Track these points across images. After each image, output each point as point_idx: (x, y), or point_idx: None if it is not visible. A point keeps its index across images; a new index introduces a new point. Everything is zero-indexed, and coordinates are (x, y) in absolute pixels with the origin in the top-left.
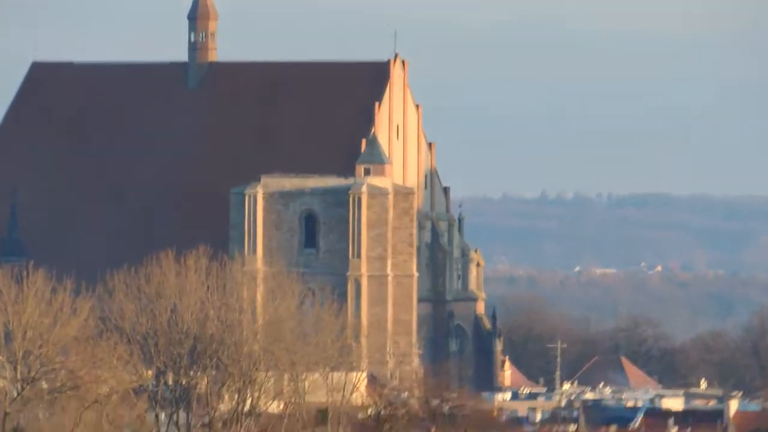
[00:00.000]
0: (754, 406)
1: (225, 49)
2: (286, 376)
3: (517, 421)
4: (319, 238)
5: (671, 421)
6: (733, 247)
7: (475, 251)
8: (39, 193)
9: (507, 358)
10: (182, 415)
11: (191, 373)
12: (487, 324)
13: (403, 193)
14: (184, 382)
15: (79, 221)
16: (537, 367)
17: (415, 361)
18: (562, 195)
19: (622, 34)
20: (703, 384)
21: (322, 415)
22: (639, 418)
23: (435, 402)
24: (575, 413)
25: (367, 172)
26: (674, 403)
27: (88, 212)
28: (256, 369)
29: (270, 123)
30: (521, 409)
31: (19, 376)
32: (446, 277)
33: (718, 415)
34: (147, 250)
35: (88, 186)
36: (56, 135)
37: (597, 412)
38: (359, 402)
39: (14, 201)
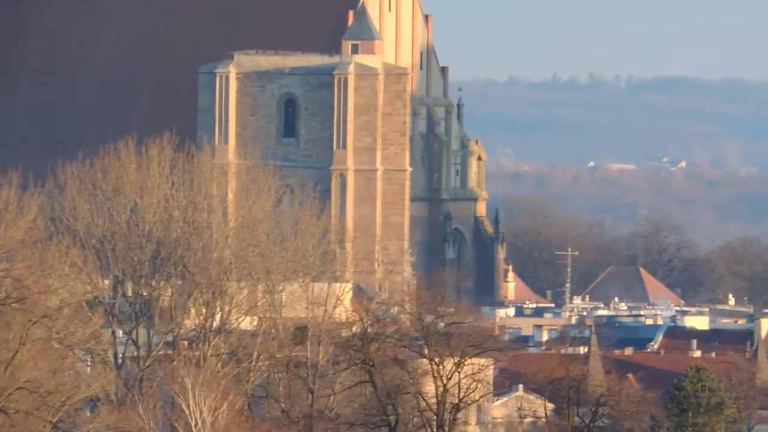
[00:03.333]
0: None
1: None
2: (260, 287)
3: (521, 341)
4: (300, 125)
5: (694, 342)
6: None
7: (476, 143)
8: None
9: (510, 267)
10: (142, 331)
11: (153, 282)
12: (489, 228)
13: (395, 74)
14: (145, 294)
15: (26, 104)
16: (544, 278)
17: (407, 270)
18: (575, 78)
19: None
20: (732, 300)
21: (300, 332)
22: (658, 339)
23: (429, 318)
24: (587, 332)
25: (354, 50)
26: (698, 321)
27: (36, 94)
28: (227, 279)
29: None
30: (526, 326)
31: None
32: (443, 173)
33: (747, 335)
34: (103, 139)
35: (35, 64)
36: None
37: (611, 331)
38: (343, 317)
39: None
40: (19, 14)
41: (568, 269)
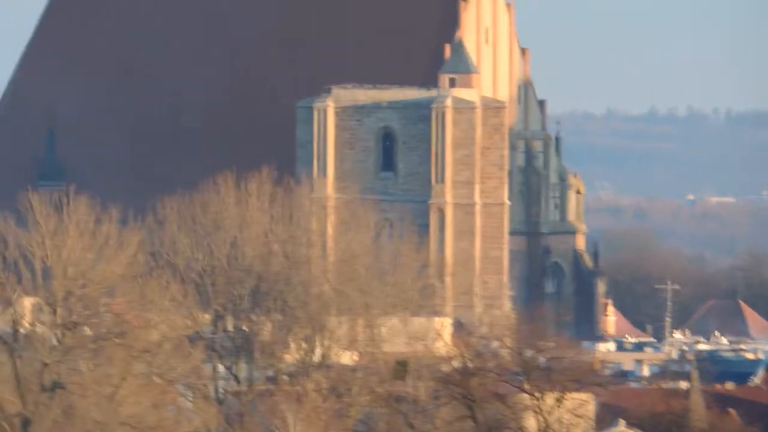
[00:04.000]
0: None
1: None
2: (360, 322)
3: (622, 375)
4: (398, 159)
5: None
6: None
7: (575, 176)
8: (80, 110)
9: (610, 301)
10: (243, 366)
11: (253, 317)
12: (588, 261)
13: (493, 108)
14: (245, 328)
15: (126, 141)
16: (644, 312)
17: (507, 305)
18: (673, 111)
19: None
20: None
21: (400, 366)
22: (759, 373)
23: (529, 353)
24: (687, 366)
25: (452, 83)
26: None
27: (136, 130)
28: (327, 313)
29: (341, 25)
30: (626, 361)
31: (59, 321)
32: (542, 207)
33: None
34: (203, 174)
35: (135, 101)
36: (97, 43)
37: (712, 366)
38: (443, 352)
39: (52, 116)
40: (119, 55)
41: (669, 303)
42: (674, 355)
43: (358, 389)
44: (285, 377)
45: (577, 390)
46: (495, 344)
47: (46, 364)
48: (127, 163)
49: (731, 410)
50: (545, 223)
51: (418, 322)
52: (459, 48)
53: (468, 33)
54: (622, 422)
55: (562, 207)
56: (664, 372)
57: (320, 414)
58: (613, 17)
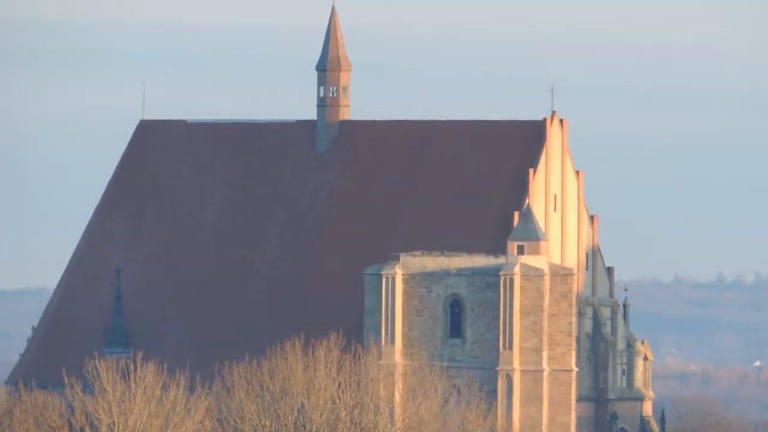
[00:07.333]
0: None
1: (359, 105)
2: None
3: None
4: (466, 326)
5: None
6: None
7: (642, 343)
8: (147, 274)
9: None
10: None
11: None
12: (656, 427)
13: (561, 275)
14: None
15: (193, 306)
16: None
17: None
18: (741, 278)
19: None
20: None
21: None
22: None
23: None
24: None
25: (520, 250)
26: None
27: (204, 295)
28: None
29: (409, 192)
30: None
31: None
32: (609, 373)
33: None
34: (270, 340)
35: (202, 264)
36: (166, 205)
37: None
38: None
39: (118, 283)
40: (183, 221)
41: None
42: None
43: None
44: None
45: None
46: None
47: None
48: (194, 329)
49: None
50: (613, 389)
51: None
52: (528, 215)
53: (537, 200)
54: None
55: (629, 373)
56: None
57: None
58: (680, 185)
